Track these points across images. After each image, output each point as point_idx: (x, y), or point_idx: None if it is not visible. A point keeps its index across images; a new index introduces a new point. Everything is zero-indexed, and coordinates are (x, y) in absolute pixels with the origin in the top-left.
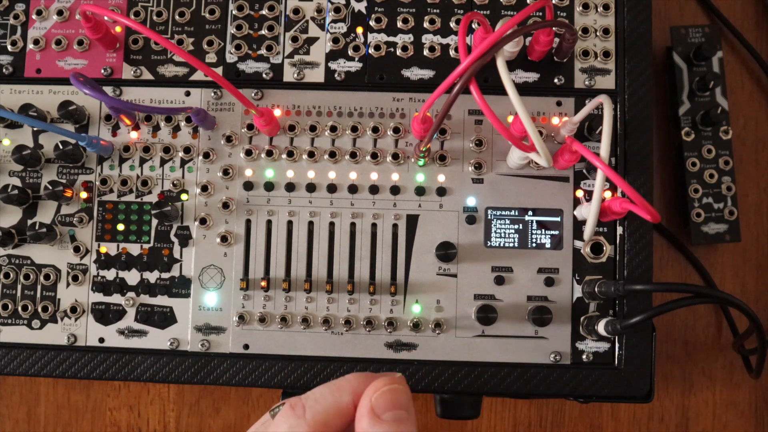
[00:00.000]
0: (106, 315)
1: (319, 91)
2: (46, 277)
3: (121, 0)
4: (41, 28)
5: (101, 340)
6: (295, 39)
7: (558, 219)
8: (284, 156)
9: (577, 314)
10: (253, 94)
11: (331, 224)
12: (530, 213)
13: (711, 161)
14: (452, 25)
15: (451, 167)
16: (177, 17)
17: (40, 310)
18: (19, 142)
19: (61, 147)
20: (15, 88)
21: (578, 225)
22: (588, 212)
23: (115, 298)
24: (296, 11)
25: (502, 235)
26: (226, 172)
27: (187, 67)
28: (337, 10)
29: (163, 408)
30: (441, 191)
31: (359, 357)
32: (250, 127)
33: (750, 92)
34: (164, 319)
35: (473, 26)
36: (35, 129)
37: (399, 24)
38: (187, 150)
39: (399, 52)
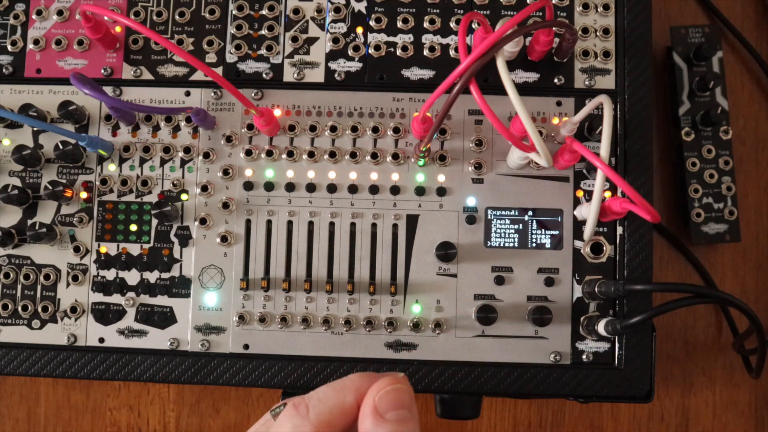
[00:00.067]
0: (106, 315)
1: (319, 91)
2: (46, 277)
3: (121, 0)
4: (41, 28)
5: (101, 340)
6: (295, 39)
7: (558, 219)
8: (284, 156)
9: (577, 314)
10: (253, 94)
11: (331, 224)
12: (530, 213)
13: (711, 161)
14: (452, 25)
15: (451, 167)
16: (177, 17)
17: (40, 310)
18: (19, 142)
19: (61, 147)
20: (15, 88)
21: (578, 225)
22: (588, 212)
23: (115, 298)
24: (296, 11)
25: (502, 235)
26: (226, 172)
27: (187, 67)
28: (337, 10)
29: (163, 408)
30: (441, 191)
31: (359, 357)
32: (250, 127)
33: (750, 92)
34: (164, 319)
35: (473, 26)
36: (35, 129)
37: (399, 24)
38: (187, 150)
39: (399, 52)
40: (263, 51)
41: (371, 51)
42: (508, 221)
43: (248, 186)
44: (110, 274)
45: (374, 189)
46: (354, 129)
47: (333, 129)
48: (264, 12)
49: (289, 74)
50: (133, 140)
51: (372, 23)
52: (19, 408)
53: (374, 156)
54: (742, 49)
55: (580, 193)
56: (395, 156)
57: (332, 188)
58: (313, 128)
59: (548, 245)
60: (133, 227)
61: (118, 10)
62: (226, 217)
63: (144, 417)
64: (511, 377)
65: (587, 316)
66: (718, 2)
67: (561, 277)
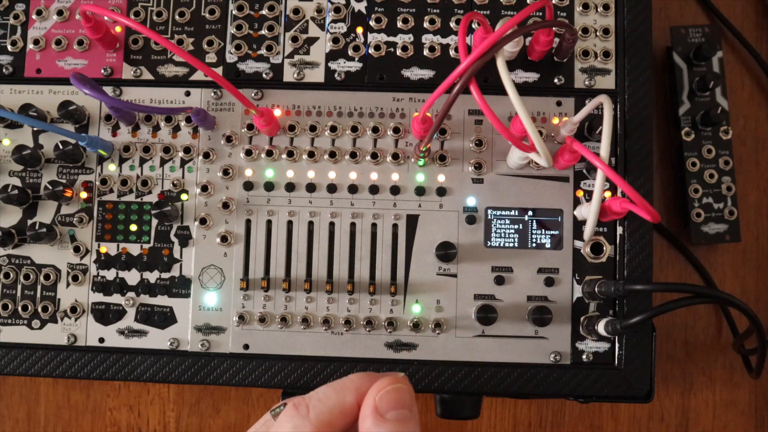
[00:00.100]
0: (106, 315)
1: (319, 91)
2: (46, 277)
3: (121, 0)
4: (41, 28)
5: (101, 340)
6: (295, 39)
7: (558, 219)
8: (284, 156)
9: (577, 314)
10: (253, 94)
11: (331, 224)
12: (530, 213)
13: (711, 161)
14: (452, 25)
15: (451, 167)
16: (177, 17)
17: (40, 310)
18: (19, 142)
19: (61, 147)
20: (15, 88)
21: (578, 225)
22: (588, 212)
23: (115, 298)
24: (296, 11)
25: (502, 235)
26: (226, 172)
27: (187, 67)
28: (337, 10)
29: (163, 408)
30: (441, 191)
31: (359, 357)
32: (250, 127)
33: (750, 92)
34: (164, 319)
35: (473, 26)
36: (35, 129)
37: (399, 24)
38: (187, 150)
39: (399, 52)
40: (263, 51)
41: (371, 51)
42: (508, 221)
43: (248, 186)
44: (110, 274)
45: (374, 189)
46: (354, 129)
47: (333, 129)
48: (264, 12)
49: (289, 74)
50: (133, 140)
51: (372, 23)
52: (19, 408)
53: (374, 156)
54: (742, 49)
55: (580, 193)
56: (395, 156)
57: (332, 188)
58: (313, 128)
59: (548, 245)
60: (133, 227)
61: (118, 10)
62: (226, 217)
63: (144, 417)
64: (511, 377)
65: (587, 316)
66: (718, 2)
67: (561, 277)
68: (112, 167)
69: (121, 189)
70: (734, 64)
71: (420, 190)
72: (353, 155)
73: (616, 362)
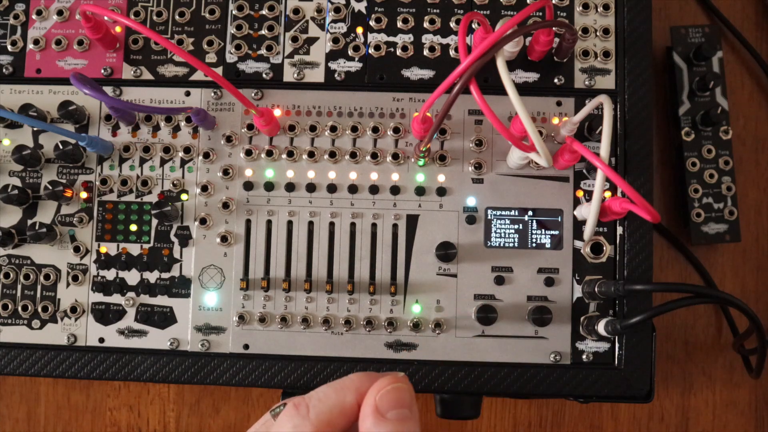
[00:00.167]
0: (106, 315)
1: (319, 91)
2: (46, 277)
3: (121, 0)
4: (41, 28)
5: (101, 340)
6: (295, 39)
7: (558, 219)
8: (284, 156)
9: (577, 314)
10: (253, 94)
11: (331, 224)
12: (530, 213)
13: (711, 161)
14: (452, 25)
15: (451, 167)
16: (177, 17)
17: (40, 310)
18: (19, 142)
19: (61, 147)
20: (15, 88)
21: (578, 225)
22: (588, 212)
23: (115, 298)
24: (296, 11)
25: (502, 235)
26: (226, 172)
27: (187, 67)
28: (337, 10)
29: (163, 408)
30: (441, 191)
31: (359, 357)
32: (250, 127)
33: (750, 92)
34: (164, 319)
35: (473, 26)
36: (35, 129)
37: (399, 24)
38: (187, 150)
39: (399, 52)
40: (263, 51)
41: (371, 51)
42: (508, 221)
43: (248, 186)
44: (110, 274)
45: (374, 189)
46: (354, 129)
47: (333, 129)
48: (264, 12)
49: (289, 74)
50: (133, 140)
51: (372, 23)
52: (19, 408)
53: (374, 156)
54: (742, 49)
55: (580, 193)
56: (395, 156)
57: (332, 188)
58: (313, 128)
59: (548, 245)
60: (133, 227)
61: (118, 10)
62: (226, 217)
63: (144, 417)
64: (511, 377)
65: (587, 316)
66: (718, 2)
67: (561, 277)
68: (112, 167)
69: (121, 189)
70: (734, 64)
71: (420, 190)
72: (353, 155)
73: (616, 362)
